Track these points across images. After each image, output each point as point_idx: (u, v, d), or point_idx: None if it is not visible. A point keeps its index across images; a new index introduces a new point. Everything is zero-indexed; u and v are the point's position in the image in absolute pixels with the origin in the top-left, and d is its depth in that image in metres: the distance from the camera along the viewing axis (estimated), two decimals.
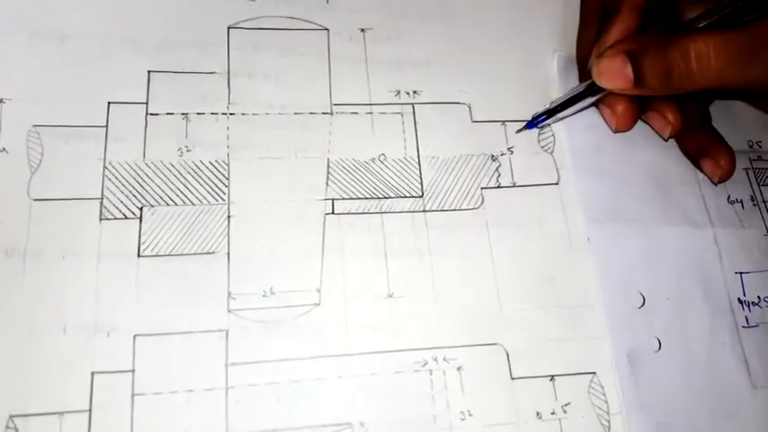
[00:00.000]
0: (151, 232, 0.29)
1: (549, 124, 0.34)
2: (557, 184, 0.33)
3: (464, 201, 0.32)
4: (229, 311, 0.28)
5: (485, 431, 0.28)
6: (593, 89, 0.31)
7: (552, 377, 0.29)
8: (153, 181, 0.30)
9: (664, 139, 0.34)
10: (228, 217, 0.30)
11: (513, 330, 0.30)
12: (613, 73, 0.29)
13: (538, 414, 0.28)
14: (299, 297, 0.29)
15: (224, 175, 0.31)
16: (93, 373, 0.27)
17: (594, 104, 0.33)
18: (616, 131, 0.33)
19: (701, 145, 0.33)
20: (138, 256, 0.29)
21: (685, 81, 0.28)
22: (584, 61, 0.32)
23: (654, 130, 0.34)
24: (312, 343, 0.28)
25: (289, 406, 0.27)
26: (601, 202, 0.32)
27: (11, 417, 0.26)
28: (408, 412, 0.28)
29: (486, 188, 0.32)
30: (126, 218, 0.29)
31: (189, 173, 0.30)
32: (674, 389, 0.29)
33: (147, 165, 0.30)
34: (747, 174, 0.35)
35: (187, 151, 0.31)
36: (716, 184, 0.34)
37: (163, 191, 0.30)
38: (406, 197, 0.32)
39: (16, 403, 0.26)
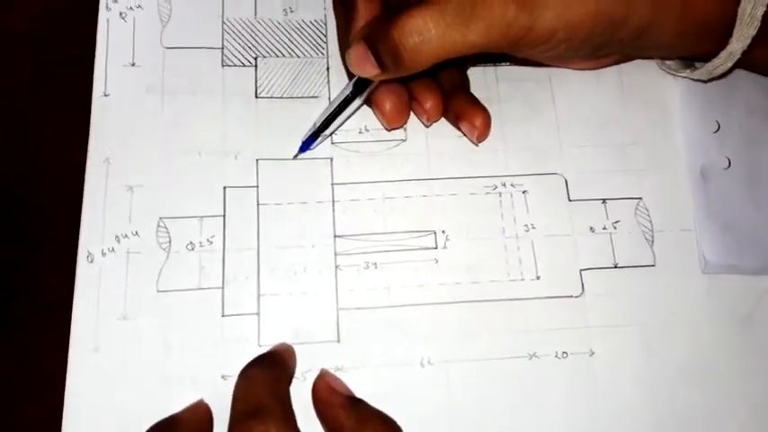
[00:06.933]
0: (265, 78, 0.35)
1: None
2: None
3: None
4: (333, 144, 0.34)
5: (546, 240, 0.33)
6: (358, 85, 0.31)
7: (604, 200, 0.34)
8: (264, 37, 0.35)
9: (425, 125, 0.34)
10: (327, 68, 0.35)
11: (570, 163, 0.35)
12: (360, 60, 0.29)
13: (591, 229, 0.34)
14: (388, 133, 0.35)
15: (323, 33, 0.36)
16: (224, 188, 0.33)
17: (368, 104, 0.33)
18: (390, 130, 0.34)
19: (458, 109, 0.33)
20: (256, 97, 0.34)
21: (415, 57, 0.28)
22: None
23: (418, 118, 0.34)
24: (401, 169, 0.34)
25: (383, 216, 0.33)
26: None
27: (161, 218, 0.32)
28: (481, 224, 0.33)
29: None
30: (243, 65, 0.35)
31: (293, 30, 0.36)
32: (738, 199, 0.34)
33: (258, 21, 0.36)
34: None
35: (291, 12, 0.36)
36: (476, 144, 0.34)
37: (272, 45, 0.35)
38: None
39: (165, 208, 0.32)
